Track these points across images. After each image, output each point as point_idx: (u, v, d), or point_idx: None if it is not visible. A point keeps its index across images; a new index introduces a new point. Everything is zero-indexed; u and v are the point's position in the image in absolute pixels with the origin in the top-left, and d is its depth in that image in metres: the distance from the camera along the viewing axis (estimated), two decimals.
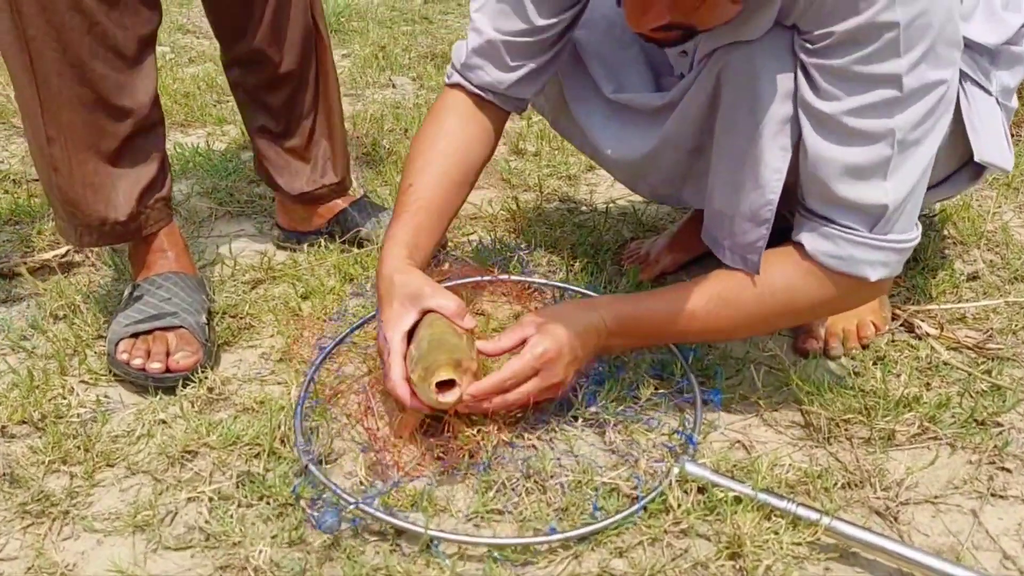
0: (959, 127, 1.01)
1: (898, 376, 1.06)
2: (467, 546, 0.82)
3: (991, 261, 1.35)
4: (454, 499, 0.89)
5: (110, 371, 1.08)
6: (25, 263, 1.34)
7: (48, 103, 1.03)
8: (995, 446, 0.95)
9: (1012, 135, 1.07)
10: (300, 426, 0.95)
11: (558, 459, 0.92)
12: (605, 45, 1.13)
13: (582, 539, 0.83)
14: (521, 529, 0.85)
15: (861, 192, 0.86)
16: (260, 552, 0.80)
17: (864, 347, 1.13)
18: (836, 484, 0.90)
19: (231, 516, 0.85)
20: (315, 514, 0.84)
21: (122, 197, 1.10)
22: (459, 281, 1.15)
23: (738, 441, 0.97)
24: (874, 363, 1.09)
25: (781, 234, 0.95)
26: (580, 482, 0.89)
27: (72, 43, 1.00)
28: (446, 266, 1.18)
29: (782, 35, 0.87)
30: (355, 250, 1.37)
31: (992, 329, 1.16)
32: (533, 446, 0.95)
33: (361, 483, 0.90)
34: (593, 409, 0.98)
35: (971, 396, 1.03)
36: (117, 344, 1.06)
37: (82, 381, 1.08)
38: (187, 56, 2.56)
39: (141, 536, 0.85)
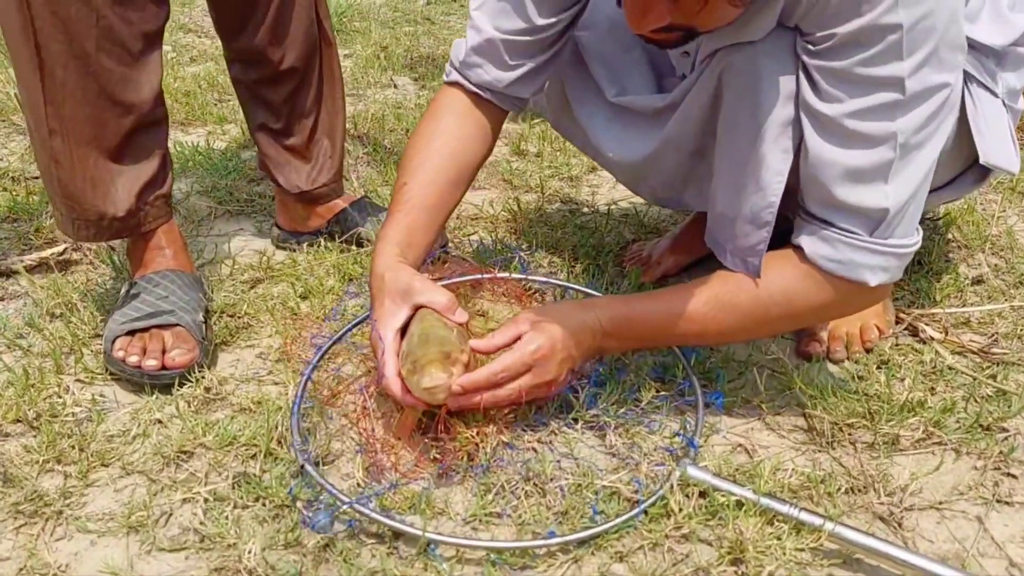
0: (964, 129, 1.00)
1: (902, 380, 1.05)
2: (465, 549, 0.81)
3: (996, 265, 1.34)
4: (452, 501, 0.88)
5: (106, 370, 1.07)
6: (22, 261, 1.33)
7: (51, 95, 1.03)
8: (1000, 452, 0.94)
9: (1019, 137, 1.06)
10: (297, 425, 0.94)
11: (558, 462, 0.91)
12: (608, 47, 1.12)
13: (582, 543, 0.82)
14: (520, 532, 0.84)
15: (861, 195, 0.85)
16: (254, 554, 0.79)
17: (868, 351, 1.12)
18: (839, 489, 0.89)
19: (226, 517, 0.84)
20: (309, 514, 0.83)
21: (122, 193, 1.10)
22: (455, 279, 1.14)
23: (740, 445, 0.96)
24: (878, 367, 1.08)
25: (784, 237, 0.94)
26: (580, 485, 0.88)
27: (78, 35, 1.00)
28: (445, 265, 1.17)
29: (784, 36, 0.86)
30: (355, 250, 1.36)
31: (997, 333, 1.15)
32: (533, 448, 0.94)
33: (359, 484, 0.89)
34: (594, 411, 0.97)
35: (976, 401, 1.02)
36: (113, 342, 1.06)
37: (78, 380, 1.07)
38: (188, 55, 2.55)
39: (135, 537, 0.84)
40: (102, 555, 0.82)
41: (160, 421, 0.99)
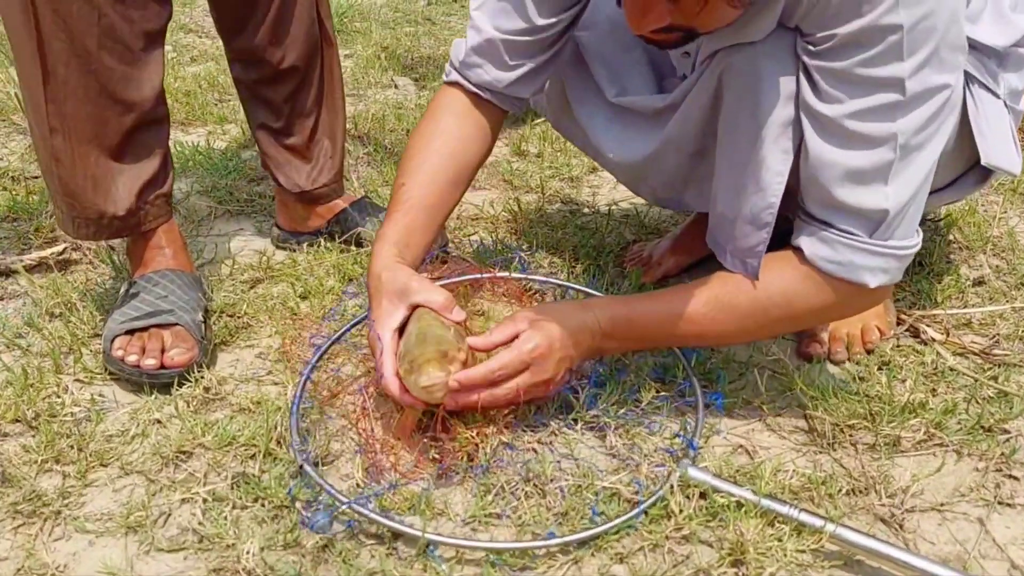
0: (966, 130, 1.00)
1: (903, 381, 1.05)
2: (464, 550, 0.81)
3: (997, 266, 1.34)
4: (452, 502, 0.87)
5: (105, 369, 1.07)
6: (22, 260, 1.33)
7: (53, 93, 1.03)
8: (1002, 453, 0.93)
9: (1020, 138, 1.06)
10: (296, 425, 0.94)
11: (558, 462, 0.91)
12: (608, 47, 1.12)
13: (582, 544, 0.81)
14: (520, 533, 0.83)
15: (861, 197, 0.84)
16: (252, 554, 0.79)
17: (869, 352, 1.11)
18: (840, 490, 0.88)
19: (225, 518, 0.84)
20: (308, 515, 0.83)
21: (122, 191, 1.10)
22: (454, 279, 1.14)
23: (741, 446, 0.96)
24: (879, 368, 1.08)
25: (784, 238, 0.93)
26: (580, 486, 0.88)
27: (80, 33, 1.00)
28: (444, 265, 1.17)
29: (785, 37, 0.86)
30: (355, 250, 1.36)
31: (998, 335, 1.14)
32: (533, 449, 0.93)
33: (358, 485, 0.89)
34: (594, 412, 0.97)
35: (977, 402, 1.01)
36: (112, 341, 1.06)
37: (77, 380, 1.07)
38: (189, 55, 2.55)
39: (133, 537, 0.84)
40: (100, 555, 0.82)
41: (159, 421, 0.99)
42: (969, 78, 0.99)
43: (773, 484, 0.87)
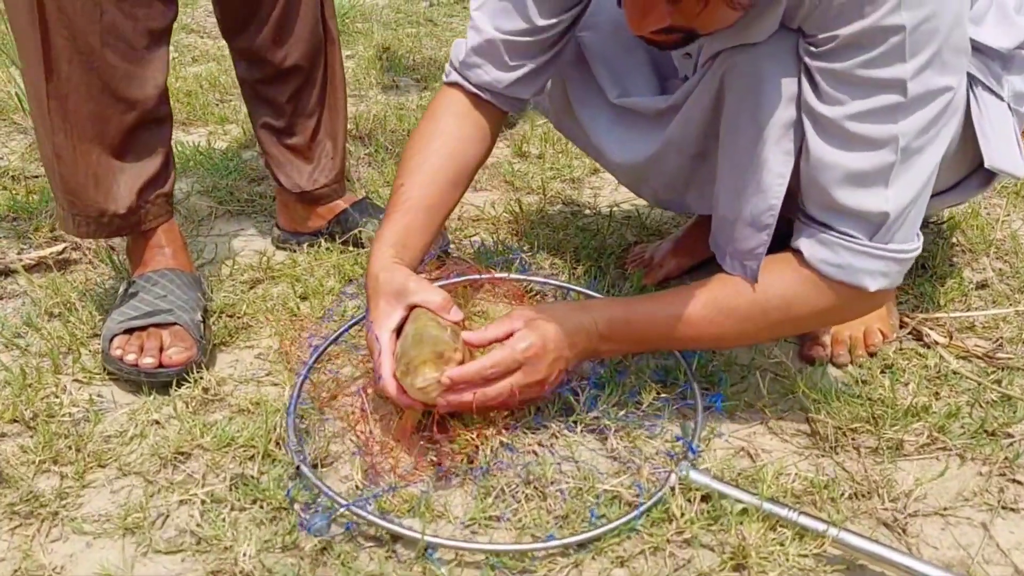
0: (969, 132, 0.99)
1: (906, 385, 1.04)
2: (464, 552, 0.81)
3: (1000, 269, 1.33)
4: (451, 504, 0.87)
5: (104, 370, 1.06)
6: (21, 260, 1.32)
7: (55, 89, 1.02)
8: (1006, 457, 0.93)
9: None
10: (293, 426, 0.93)
11: (558, 465, 0.91)
12: (610, 48, 1.12)
13: (582, 547, 0.81)
14: (520, 536, 0.83)
15: (862, 199, 0.84)
16: (250, 556, 0.79)
17: (871, 355, 1.11)
18: (843, 494, 0.88)
19: (223, 519, 0.84)
20: (306, 517, 0.83)
21: (123, 190, 1.10)
22: (453, 280, 1.14)
23: (743, 449, 0.95)
24: (882, 371, 1.07)
25: (784, 242, 0.93)
26: (581, 489, 0.87)
27: (83, 30, 1.00)
28: (444, 266, 1.17)
29: (787, 38, 0.85)
30: (355, 250, 1.36)
31: (1002, 338, 1.14)
32: (533, 451, 0.93)
33: (357, 486, 0.88)
34: (594, 414, 0.96)
35: (981, 406, 1.01)
36: (111, 340, 1.05)
37: (75, 380, 1.06)
38: (190, 55, 2.55)
39: (131, 539, 0.83)
40: (98, 557, 0.81)
41: (158, 422, 0.98)
42: (973, 80, 0.99)
43: (775, 487, 0.87)
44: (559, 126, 1.24)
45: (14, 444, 0.95)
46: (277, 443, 0.93)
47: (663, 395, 1.00)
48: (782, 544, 0.80)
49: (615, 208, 1.55)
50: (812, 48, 0.83)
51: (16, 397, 1.00)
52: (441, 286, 1.06)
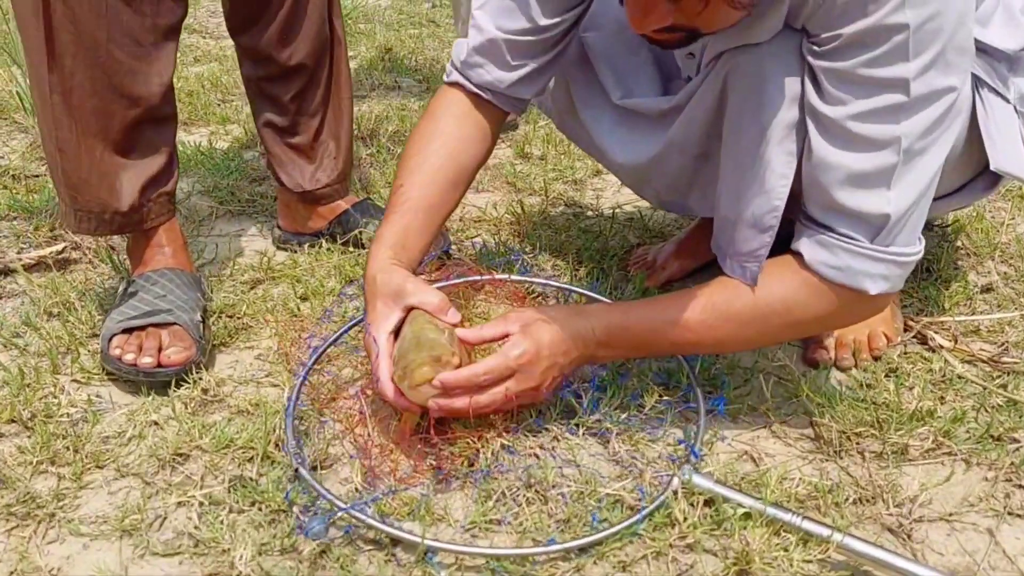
0: (975, 135, 0.99)
1: (911, 389, 1.04)
2: (464, 556, 0.80)
3: (1005, 273, 1.32)
4: (452, 508, 0.86)
5: (103, 370, 1.06)
6: (20, 259, 1.32)
7: (59, 84, 1.02)
8: (1012, 463, 0.92)
9: None
10: (292, 428, 0.92)
11: (560, 468, 0.90)
12: (614, 48, 1.11)
13: (583, 551, 0.80)
14: (521, 540, 0.82)
15: (863, 200, 0.83)
16: (247, 559, 0.78)
17: (876, 359, 1.10)
18: (847, 499, 0.87)
19: (221, 522, 0.83)
20: (304, 519, 0.82)
21: (126, 187, 1.09)
22: (453, 281, 1.13)
23: (746, 453, 0.95)
24: (886, 375, 1.06)
25: (785, 246, 0.92)
26: (582, 493, 0.86)
27: (88, 25, 0.99)
28: (443, 267, 1.16)
29: (791, 38, 0.84)
30: (356, 251, 1.35)
31: (1007, 342, 1.13)
32: (534, 454, 0.92)
33: (356, 489, 0.88)
34: (596, 417, 0.95)
35: (986, 411, 1.00)
36: (110, 340, 1.05)
37: (74, 380, 1.06)
38: (192, 55, 2.55)
39: (128, 541, 0.82)
40: (94, 559, 0.80)
41: (156, 423, 0.98)
42: (979, 82, 0.98)
43: (779, 492, 0.86)
44: (562, 127, 1.23)
45: (11, 444, 0.94)
46: (276, 445, 0.92)
47: (665, 398, 0.99)
48: (786, 549, 0.79)
49: (618, 210, 1.54)
50: (815, 47, 0.82)
51: (14, 397, 1.00)
52: (440, 287, 1.05)
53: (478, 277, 1.16)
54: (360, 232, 1.36)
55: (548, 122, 1.93)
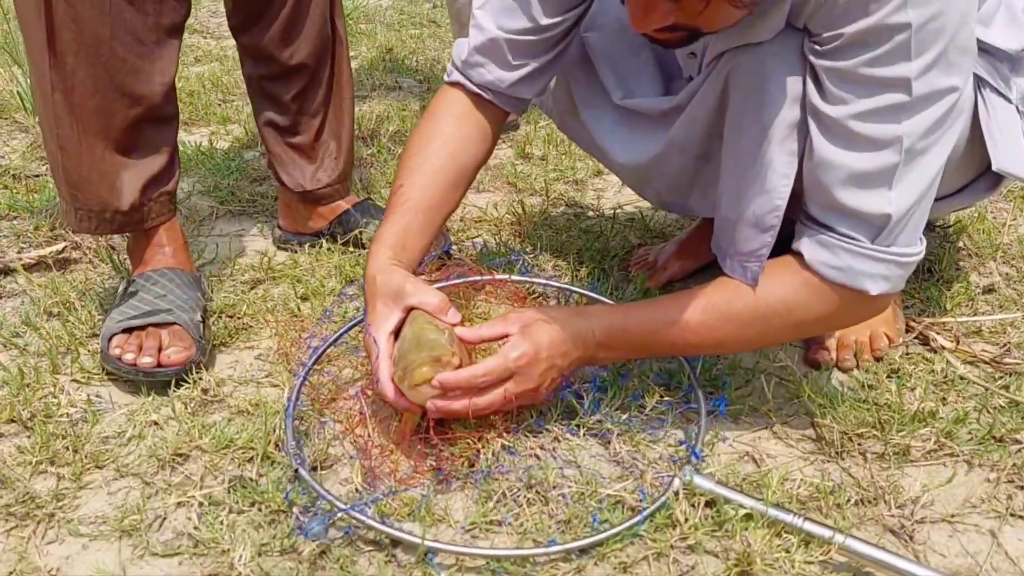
0: (977, 135, 0.98)
1: (913, 390, 1.03)
2: (465, 557, 0.79)
3: (1007, 274, 1.32)
4: (452, 508, 0.86)
5: (103, 370, 1.06)
6: (21, 259, 1.31)
7: (61, 82, 1.02)
8: (1014, 464, 0.91)
9: None
10: (291, 428, 0.92)
11: (560, 469, 0.89)
12: (616, 49, 1.11)
13: (584, 552, 0.80)
14: (521, 541, 0.82)
15: (864, 200, 0.83)
16: (247, 560, 0.78)
17: (877, 359, 1.10)
18: (849, 500, 0.87)
19: (221, 522, 0.83)
20: (304, 520, 0.82)
21: (127, 186, 1.09)
22: (453, 281, 1.13)
23: (747, 454, 0.94)
24: (888, 376, 1.06)
25: (785, 247, 0.91)
26: (583, 493, 0.86)
27: (90, 22, 0.99)
28: (443, 267, 1.16)
29: (793, 37, 0.84)
30: (356, 251, 1.35)
31: (1009, 343, 1.13)
32: (535, 455, 0.92)
33: (357, 490, 0.87)
34: (597, 418, 0.95)
35: (989, 412, 1.00)
36: (110, 340, 1.04)
37: (74, 380, 1.05)
38: (193, 55, 2.55)
39: (128, 541, 0.82)
40: (94, 559, 0.80)
41: (156, 423, 0.98)
42: (981, 82, 0.98)
43: (780, 493, 0.86)
44: (563, 127, 1.23)
45: (11, 444, 0.94)
46: (276, 445, 0.92)
47: (667, 399, 0.99)
48: (787, 551, 0.78)
49: (619, 210, 1.54)
50: (817, 47, 0.82)
51: (14, 397, 1.00)
52: (441, 288, 1.05)
53: (478, 277, 1.16)
54: (360, 232, 1.35)
55: (549, 122, 1.93)
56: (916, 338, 1.14)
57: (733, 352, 1.07)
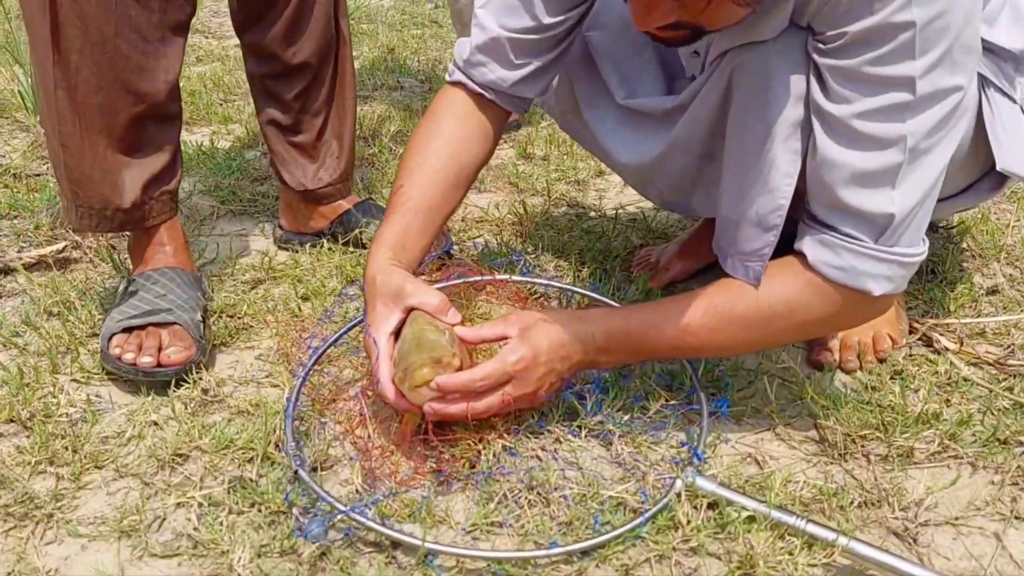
0: (981, 135, 0.98)
1: (916, 391, 1.03)
2: (465, 559, 0.79)
3: (1011, 275, 1.31)
4: (453, 510, 0.85)
5: (103, 369, 1.05)
6: (21, 258, 1.31)
7: (65, 79, 1.02)
8: (1018, 466, 0.91)
9: None
10: (291, 428, 0.92)
11: (562, 471, 0.89)
12: (619, 47, 1.10)
13: (586, 554, 0.79)
14: (522, 543, 0.81)
15: (867, 199, 0.82)
16: (246, 561, 0.77)
17: (881, 361, 1.09)
18: (852, 503, 0.86)
19: (221, 523, 0.82)
20: (304, 521, 0.81)
21: (129, 184, 1.09)
22: (453, 282, 1.12)
23: (750, 455, 0.94)
24: (891, 378, 1.05)
25: (787, 248, 0.91)
26: (584, 495, 0.85)
27: (95, 19, 0.99)
28: (443, 267, 1.16)
29: (796, 36, 0.84)
30: (357, 251, 1.35)
31: (1013, 345, 1.12)
32: (537, 456, 0.91)
33: (357, 491, 0.87)
34: (598, 419, 0.95)
35: (993, 414, 0.99)
36: (110, 339, 1.04)
37: (73, 380, 1.05)
38: (195, 55, 2.54)
39: (127, 542, 0.82)
40: (92, 560, 0.80)
41: (156, 423, 0.97)
42: (985, 82, 0.97)
43: (783, 495, 0.85)
44: (565, 126, 1.22)
45: (10, 444, 0.94)
46: (276, 445, 0.91)
47: (668, 400, 0.98)
48: (791, 553, 0.78)
49: (620, 210, 1.53)
50: (821, 45, 0.81)
51: (13, 396, 0.99)
52: (441, 288, 1.04)
53: (479, 277, 1.16)
54: (361, 232, 1.35)
55: (551, 122, 1.93)
56: (919, 339, 1.13)
57: (735, 354, 1.07)
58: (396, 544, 0.80)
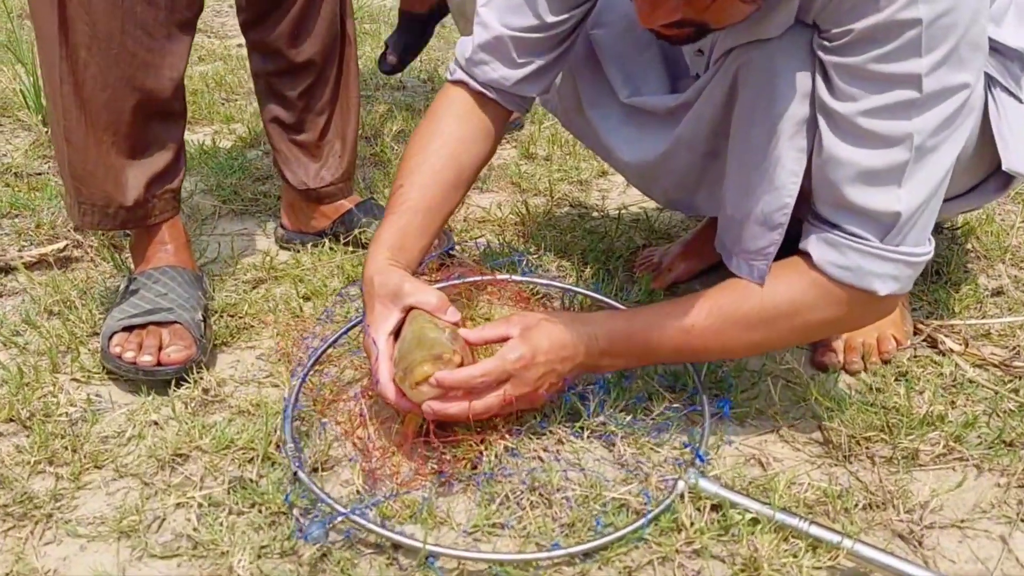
0: (987, 135, 0.97)
1: (921, 393, 1.02)
2: (467, 561, 0.78)
3: (1016, 276, 1.31)
4: (454, 511, 0.85)
5: (103, 369, 1.05)
6: (21, 257, 1.31)
7: (72, 75, 1.01)
8: None
9: None
10: (291, 429, 0.91)
11: (564, 472, 0.88)
12: (622, 46, 1.10)
13: (588, 556, 0.79)
14: (524, 544, 0.81)
15: (872, 198, 0.81)
16: (243, 562, 0.77)
17: (885, 362, 1.08)
18: (857, 505, 0.85)
19: (221, 524, 0.82)
20: (304, 523, 0.81)
21: (132, 182, 1.09)
22: (453, 281, 1.12)
23: (753, 457, 0.93)
24: (896, 379, 1.05)
25: (791, 249, 0.90)
26: (587, 497, 0.85)
27: (103, 15, 0.99)
28: (443, 267, 1.15)
29: (802, 34, 0.83)
30: (359, 251, 1.34)
31: (1019, 346, 1.11)
32: (538, 457, 0.91)
33: (358, 492, 0.86)
34: (601, 420, 0.94)
35: (998, 415, 0.98)
36: (110, 338, 1.04)
37: (73, 379, 1.05)
38: (197, 54, 2.54)
39: (126, 542, 0.81)
40: (92, 560, 0.79)
41: (156, 423, 0.97)
42: (991, 81, 0.97)
43: (787, 497, 0.85)
44: (568, 125, 1.22)
45: (9, 444, 0.93)
46: (277, 446, 0.91)
47: (671, 401, 0.98)
48: (795, 556, 0.77)
49: (623, 210, 1.53)
50: (826, 43, 0.81)
51: (13, 396, 0.99)
52: (442, 288, 1.04)
53: (479, 277, 1.15)
54: (363, 232, 1.35)
55: (553, 122, 1.92)
56: (924, 341, 1.13)
57: (740, 356, 1.06)
58: (397, 546, 0.80)
